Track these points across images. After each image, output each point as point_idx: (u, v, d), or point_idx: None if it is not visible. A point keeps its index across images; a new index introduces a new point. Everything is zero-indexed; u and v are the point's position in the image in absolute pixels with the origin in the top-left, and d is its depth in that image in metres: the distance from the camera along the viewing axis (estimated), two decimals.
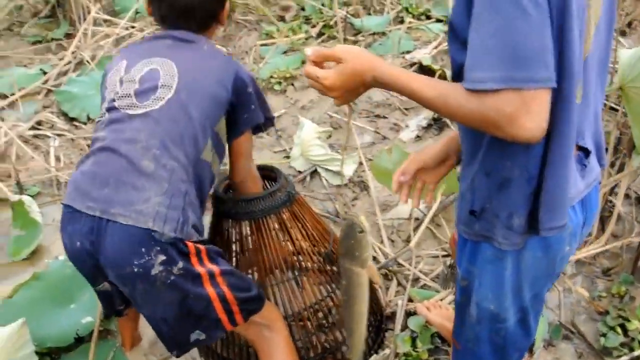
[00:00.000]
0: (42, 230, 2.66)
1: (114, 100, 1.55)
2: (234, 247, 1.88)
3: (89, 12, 4.68)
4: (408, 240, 2.59)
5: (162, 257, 1.43)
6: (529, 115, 0.95)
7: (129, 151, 1.46)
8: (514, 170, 1.13)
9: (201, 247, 1.51)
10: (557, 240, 1.21)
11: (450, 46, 1.14)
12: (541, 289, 1.32)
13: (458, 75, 1.08)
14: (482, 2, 0.97)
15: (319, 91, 1.21)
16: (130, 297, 1.55)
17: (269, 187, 1.90)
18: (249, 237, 1.85)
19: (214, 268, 1.53)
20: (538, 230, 1.17)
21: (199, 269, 1.50)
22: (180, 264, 1.46)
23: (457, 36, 1.09)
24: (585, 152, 1.22)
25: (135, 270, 1.42)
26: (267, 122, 1.78)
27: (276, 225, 1.82)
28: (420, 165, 1.49)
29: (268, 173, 1.93)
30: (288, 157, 3.22)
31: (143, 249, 1.41)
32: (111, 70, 1.64)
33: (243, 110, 1.67)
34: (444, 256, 2.48)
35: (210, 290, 1.51)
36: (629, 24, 4.19)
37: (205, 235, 1.88)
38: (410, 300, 2.23)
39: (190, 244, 1.48)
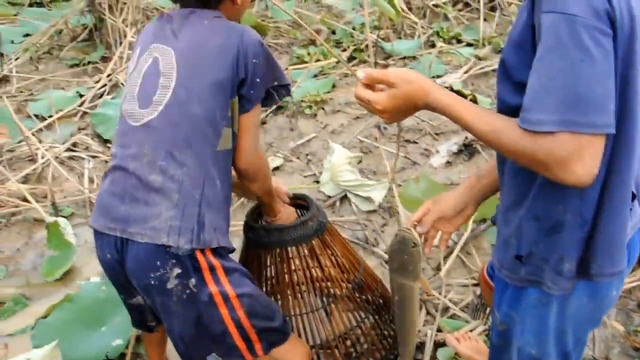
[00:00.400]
0: (75, 251, 2.71)
1: (123, 102, 1.56)
2: (264, 274, 1.89)
3: (124, 36, 4.80)
4: (438, 269, 2.56)
5: (177, 271, 1.43)
6: (581, 161, 0.94)
7: (136, 168, 1.46)
8: (566, 214, 1.10)
9: (216, 262, 1.47)
10: (606, 285, 1.19)
11: (499, 85, 1.12)
12: (584, 333, 1.29)
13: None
14: (546, 43, 0.95)
15: (369, 111, 1.21)
16: (154, 309, 1.57)
17: (300, 215, 1.91)
18: (280, 265, 1.85)
19: (229, 289, 1.48)
20: (591, 275, 1.14)
21: (212, 287, 1.46)
22: (194, 280, 1.44)
23: (509, 75, 1.08)
24: (633, 195, 1.19)
25: (152, 282, 1.44)
26: (279, 90, 1.59)
27: (307, 254, 1.83)
28: (439, 215, 1.48)
29: (300, 202, 1.94)
30: (318, 181, 3.23)
31: (159, 262, 1.43)
32: (131, 59, 1.64)
33: (249, 85, 1.51)
34: (474, 285, 2.45)
35: (224, 312, 1.48)
36: None
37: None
38: (439, 330, 2.21)
39: (202, 259, 1.45)
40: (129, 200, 1.45)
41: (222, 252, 1.50)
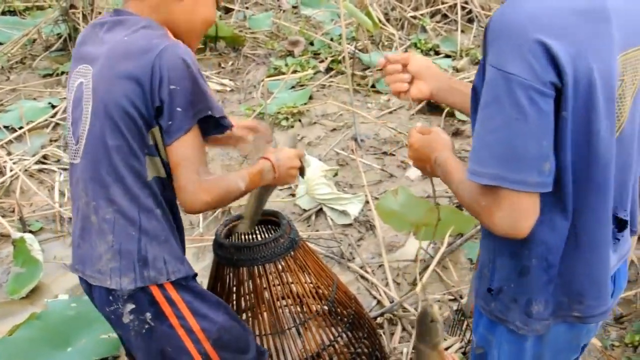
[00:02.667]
0: (42, 268, 2.63)
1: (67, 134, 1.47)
2: (234, 292, 1.84)
3: None
4: (414, 283, 2.53)
5: (130, 306, 1.37)
6: (510, 215, 0.98)
7: (80, 208, 1.40)
8: (531, 259, 1.09)
9: (175, 295, 1.39)
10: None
11: (471, 114, 1.10)
12: None
13: None
14: (486, 95, 0.96)
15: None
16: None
17: (272, 232, 1.86)
18: (250, 284, 1.80)
19: (192, 322, 1.40)
20: (569, 317, 1.13)
21: (173, 320, 1.39)
22: (149, 314, 1.37)
23: (479, 101, 1.06)
24: (621, 224, 1.16)
25: (111, 316, 1.41)
26: (217, 122, 1.36)
27: (278, 271, 1.78)
28: (408, 61, 1.42)
29: (271, 218, 1.89)
30: (294, 195, 3.19)
31: (111, 298, 1.38)
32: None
33: (168, 115, 1.29)
34: (450, 300, 2.42)
35: (189, 346, 1.40)
36: None
37: (205, 281, 1.85)
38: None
39: (157, 293, 1.37)
40: (81, 241, 1.41)
41: (182, 281, 1.41)
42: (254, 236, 1.94)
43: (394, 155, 3.55)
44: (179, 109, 1.27)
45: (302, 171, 1.70)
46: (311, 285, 1.85)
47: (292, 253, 1.78)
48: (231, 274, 1.80)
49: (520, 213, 0.97)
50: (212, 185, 1.34)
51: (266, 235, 1.93)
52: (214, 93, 1.28)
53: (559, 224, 1.05)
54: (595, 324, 1.21)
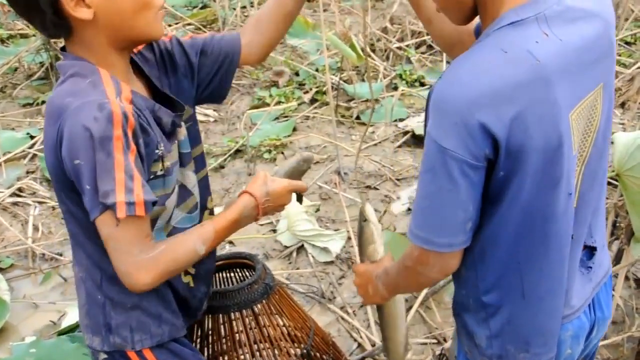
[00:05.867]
0: (9, 309, 2.53)
1: None
2: (205, 340, 1.76)
3: None
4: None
5: (103, 356, 1.32)
6: (429, 266, 1.09)
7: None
8: (469, 298, 1.17)
9: (150, 357, 1.31)
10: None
11: None
12: None
13: None
14: (424, 162, 1.01)
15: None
16: None
17: (247, 277, 1.79)
18: (222, 331, 1.72)
19: None
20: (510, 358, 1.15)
21: None
22: None
23: None
24: (591, 251, 1.18)
25: None
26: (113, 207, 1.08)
27: (252, 319, 1.70)
28: None
29: (246, 262, 1.82)
30: (275, 230, 3.11)
31: (91, 351, 1.34)
32: None
33: (80, 190, 1.10)
34: (433, 344, 2.34)
35: None
36: (622, 104, 4.16)
37: None
38: None
39: (133, 356, 1.29)
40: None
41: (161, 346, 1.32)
42: (227, 283, 1.87)
43: (377, 189, 3.49)
44: (87, 186, 1.07)
45: (299, 198, 1.57)
46: (287, 333, 1.78)
47: (266, 299, 1.71)
48: (203, 321, 1.73)
49: (446, 264, 1.08)
50: (153, 263, 1.12)
51: (240, 280, 1.86)
52: (134, 167, 1.09)
53: (495, 269, 1.10)
54: (569, 355, 1.19)
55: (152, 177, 1.20)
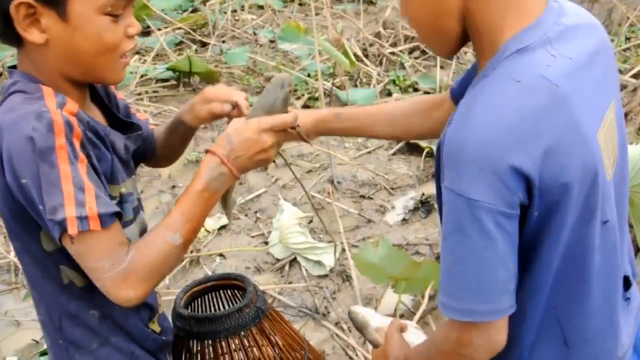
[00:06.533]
0: None
1: None
2: None
3: None
4: None
5: None
6: (477, 341, 0.93)
7: None
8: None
9: None
10: None
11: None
12: None
13: None
14: (448, 223, 0.89)
15: None
16: None
17: (238, 299, 1.71)
18: (211, 358, 1.63)
19: None
20: None
21: None
22: None
23: None
24: (626, 281, 1.06)
25: None
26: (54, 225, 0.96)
27: (242, 345, 1.61)
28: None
29: (237, 283, 1.74)
30: (267, 242, 3.03)
31: None
32: None
33: (34, 214, 0.99)
34: None
35: None
36: (625, 115, 4.11)
37: None
38: None
39: None
40: None
41: None
42: (217, 305, 1.78)
43: (371, 199, 3.41)
44: (40, 207, 0.95)
45: (300, 136, 1.24)
46: (279, 352, 1.70)
47: (258, 324, 1.63)
48: (191, 347, 1.64)
49: (492, 329, 0.93)
50: (128, 274, 1.00)
51: (231, 303, 1.77)
52: (84, 176, 0.97)
53: (530, 328, 0.98)
54: None
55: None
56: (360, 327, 1.46)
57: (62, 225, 0.95)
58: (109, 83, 1.15)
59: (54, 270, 1.08)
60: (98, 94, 1.22)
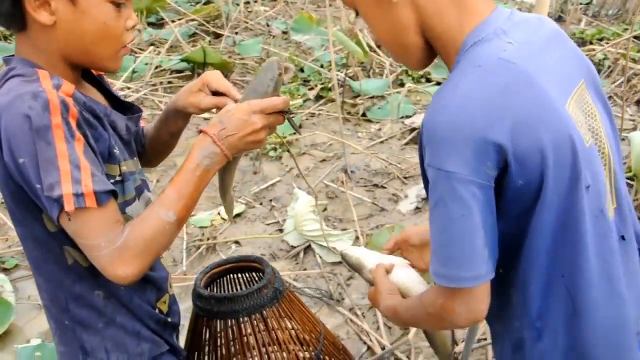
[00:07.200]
0: (14, 311, 2.49)
1: None
2: (213, 345, 1.72)
3: None
4: (406, 327, 2.41)
5: None
6: (458, 306, 0.99)
7: None
8: (522, 330, 1.05)
9: None
10: None
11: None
12: None
13: None
14: (432, 196, 0.96)
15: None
16: None
17: (255, 282, 1.75)
18: (231, 337, 1.68)
19: None
20: None
21: None
22: None
23: None
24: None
25: None
26: (52, 202, 0.99)
27: (261, 324, 1.66)
28: (404, 237, 1.44)
29: (255, 265, 1.78)
30: (281, 230, 3.08)
31: None
32: None
33: (31, 193, 1.02)
34: None
35: None
36: (638, 102, 4.11)
37: (187, 324, 1.73)
38: None
39: None
40: None
41: None
42: (235, 287, 1.83)
43: (385, 187, 3.45)
44: (37, 185, 0.98)
45: (291, 123, 1.26)
46: (297, 338, 1.75)
47: (276, 304, 1.67)
48: (210, 326, 1.69)
49: (473, 299, 0.99)
50: (124, 251, 1.02)
51: (249, 286, 1.82)
52: (82, 154, 1.00)
53: (536, 292, 1.02)
54: None
55: (109, 181, 1.09)
56: (355, 269, 1.47)
57: (59, 202, 0.98)
58: (106, 70, 1.19)
59: (58, 251, 1.11)
60: (96, 78, 1.26)
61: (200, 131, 1.15)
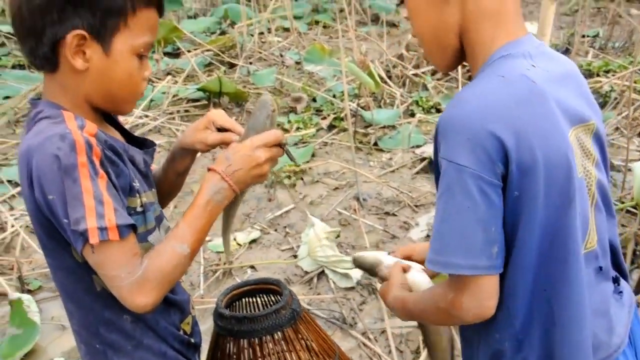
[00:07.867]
0: (39, 331, 2.59)
1: None
2: None
3: None
4: (417, 352, 2.48)
5: None
6: (469, 298, 1.03)
7: None
8: (503, 342, 1.10)
9: None
10: None
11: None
12: None
13: None
14: (440, 186, 1.02)
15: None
16: None
17: (273, 304, 1.84)
18: (250, 355, 1.76)
19: None
20: None
21: None
22: None
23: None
24: (615, 279, 1.19)
25: None
26: (77, 236, 1.06)
27: (278, 345, 1.74)
28: (408, 250, 1.47)
29: (273, 287, 1.87)
30: (295, 256, 3.16)
31: None
32: None
33: (59, 227, 1.10)
34: None
35: None
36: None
37: (206, 345, 1.81)
38: None
39: None
40: None
41: None
42: (256, 307, 1.92)
43: (396, 215, 3.54)
44: (65, 220, 1.06)
45: (288, 154, 1.34)
46: (311, 356, 1.82)
47: (294, 325, 1.75)
48: (231, 345, 1.77)
49: (482, 294, 1.03)
50: (143, 282, 1.10)
51: (267, 306, 1.91)
52: (104, 191, 1.08)
53: (521, 305, 1.07)
54: None
55: (131, 212, 1.19)
56: (371, 267, 1.49)
57: (84, 235, 1.05)
58: (123, 113, 1.30)
59: (87, 279, 1.18)
60: (113, 117, 1.36)
61: (209, 169, 1.23)
